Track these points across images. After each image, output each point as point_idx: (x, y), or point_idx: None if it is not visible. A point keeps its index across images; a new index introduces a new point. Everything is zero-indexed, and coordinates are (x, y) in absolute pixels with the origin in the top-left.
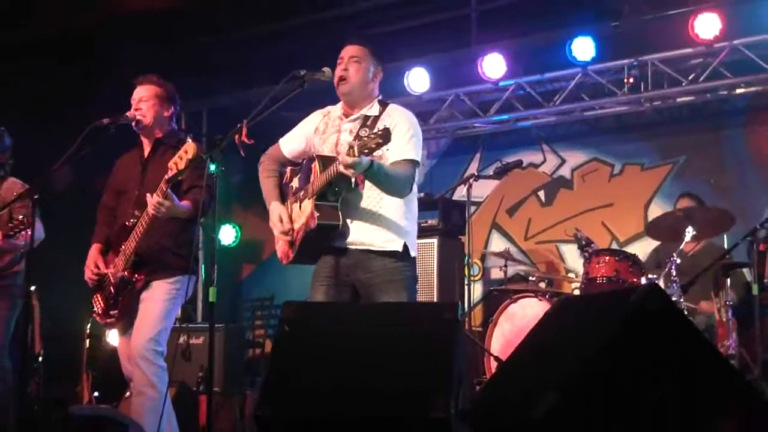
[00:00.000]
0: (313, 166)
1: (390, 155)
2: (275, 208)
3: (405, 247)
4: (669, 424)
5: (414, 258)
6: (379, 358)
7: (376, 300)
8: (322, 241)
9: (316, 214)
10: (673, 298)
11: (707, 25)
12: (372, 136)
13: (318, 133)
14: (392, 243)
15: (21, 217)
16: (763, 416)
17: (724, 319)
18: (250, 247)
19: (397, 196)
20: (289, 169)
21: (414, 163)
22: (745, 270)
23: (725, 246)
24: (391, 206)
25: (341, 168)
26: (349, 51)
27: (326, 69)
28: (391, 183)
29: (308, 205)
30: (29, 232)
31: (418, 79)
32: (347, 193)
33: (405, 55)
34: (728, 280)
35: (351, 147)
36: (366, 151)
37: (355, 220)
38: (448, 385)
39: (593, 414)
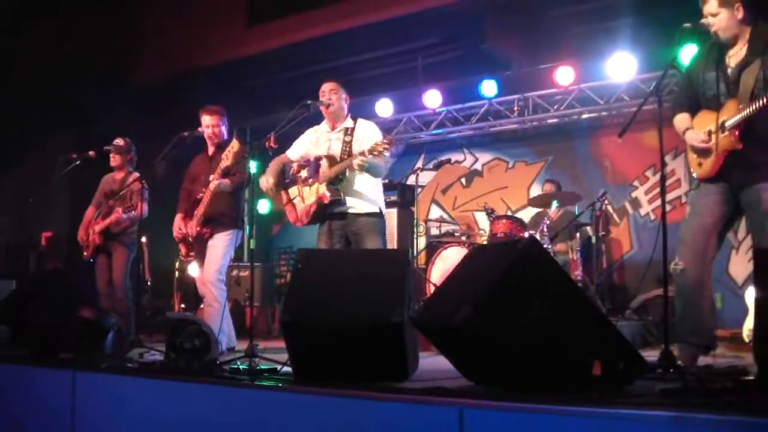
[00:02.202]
0: (320, 162)
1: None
2: (268, 174)
3: (380, 209)
4: (545, 326)
5: (384, 216)
6: (358, 284)
7: (362, 243)
8: (327, 209)
9: (328, 194)
10: (545, 245)
11: (565, 75)
12: (379, 144)
13: (313, 144)
14: (372, 206)
15: (134, 201)
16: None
17: (575, 258)
18: (277, 215)
19: (379, 177)
20: (296, 164)
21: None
22: (588, 228)
23: (576, 212)
24: (370, 185)
25: (355, 163)
26: (328, 86)
27: (323, 99)
28: (378, 171)
29: (322, 187)
30: (139, 211)
31: (384, 107)
32: (344, 178)
33: (376, 91)
34: (578, 234)
35: (363, 153)
36: (375, 153)
37: (348, 195)
38: (402, 301)
39: (493, 321)
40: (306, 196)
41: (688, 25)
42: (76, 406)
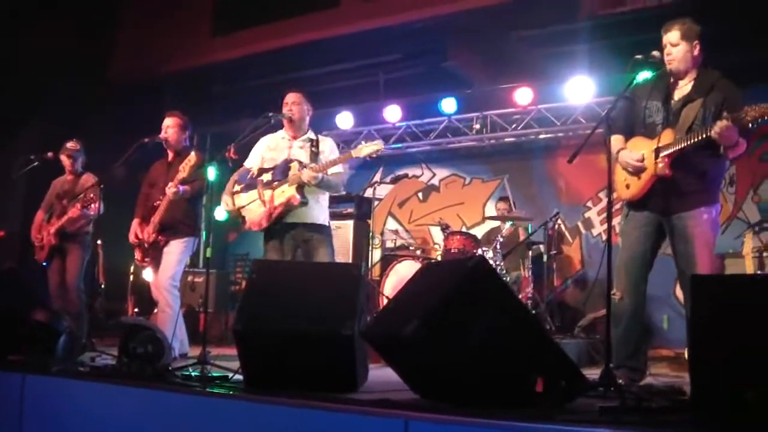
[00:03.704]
0: (290, 165)
1: (330, 170)
2: (227, 194)
3: (328, 222)
4: (490, 342)
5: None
6: (311, 296)
7: (314, 255)
8: (288, 213)
9: (298, 196)
10: (498, 262)
11: (523, 95)
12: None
13: (270, 150)
14: (323, 219)
15: (91, 196)
16: (541, 334)
17: (527, 275)
18: (234, 222)
19: (334, 192)
20: (256, 169)
21: (341, 174)
22: (540, 246)
23: (528, 231)
24: (321, 198)
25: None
26: (291, 97)
27: (285, 111)
28: (336, 187)
29: (292, 189)
30: (96, 207)
31: (345, 119)
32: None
33: (337, 103)
34: (530, 252)
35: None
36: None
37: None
38: (353, 314)
39: (439, 335)
40: (268, 200)
41: (639, 56)
42: (25, 409)
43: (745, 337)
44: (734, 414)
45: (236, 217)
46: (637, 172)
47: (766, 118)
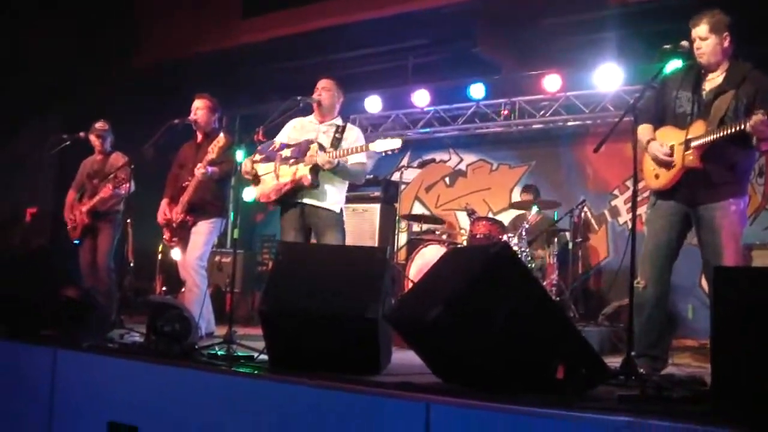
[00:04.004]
0: (311, 146)
1: (351, 159)
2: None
3: (340, 209)
4: (512, 328)
5: (342, 215)
6: (336, 279)
7: (322, 237)
8: (298, 193)
9: (310, 177)
10: (523, 248)
11: (552, 82)
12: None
13: (296, 131)
14: (332, 205)
15: (123, 176)
16: (563, 321)
17: (552, 262)
18: (261, 203)
19: (353, 181)
20: (279, 142)
21: (365, 164)
22: (566, 233)
23: (555, 218)
24: (335, 185)
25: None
26: (323, 83)
27: (315, 96)
28: (353, 177)
29: (305, 169)
30: (127, 186)
31: (373, 103)
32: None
33: (366, 87)
34: (555, 239)
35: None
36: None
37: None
38: (378, 298)
39: (463, 320)
40: (282, 174)
41: (667, 46)
42: (56, 383)
43: (765, 329)
44: (755, 406)
45: (250, 181)
46: (665, 165)
47: None
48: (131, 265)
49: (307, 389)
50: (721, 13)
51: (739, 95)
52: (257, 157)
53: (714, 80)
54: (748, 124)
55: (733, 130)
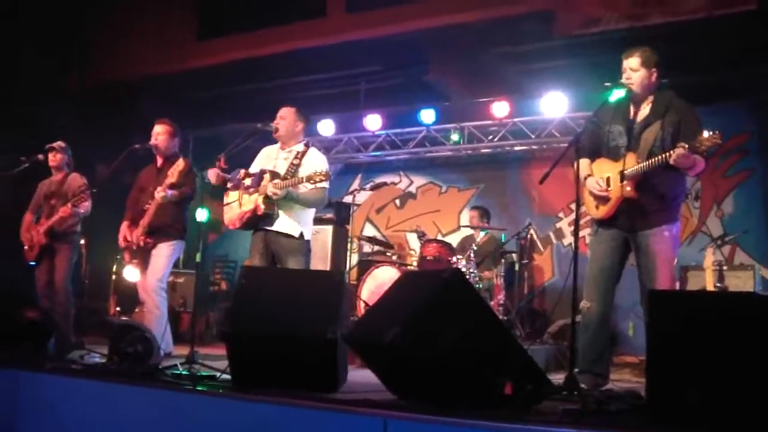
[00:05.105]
0: (264, 176)
1: (307, 185)
2: None
3: (301, 233)
4: (463, 348)
5: (305, 239)
6: (296, 301)
7: (284, 262)
8: (259, 220)
9: (263, 206)
10: (471, 270)
11: (500, 108)
12: (316, 174)
13: (263, 158)
14: (293, 230)
15: (81, 194)
16: (510, 341)
17: (499, 283)
18: (213, 223)
19: (309, 208)
20: (243, 171)
21: (324, 189)
22: (513, 255)
23: (502, 240)
24: (297, 210)
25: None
26: (281, 111)
27: (272, 123)
28: (307, 203)
29: (259, 199)
30: (86, 205)
31: (326, 126)
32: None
33: (320, 111)
34: (502, 260)
35: (301, 179)
36: (312, 181)
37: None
38: (336, 319)
39: (418, 341)
40: (244, 203)
41: (608, 84)
42: (18, 405)
43: (694, 347)
44: (683, 416)
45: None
46: (602, 199)
47: (719, 144)
48: (86, 284)
49: (269, 407)
50: (651, 51)
51: (664, 125)
52: (228, 184)
53: (643, 111)
54: (672, 159)
55: (660, 160)
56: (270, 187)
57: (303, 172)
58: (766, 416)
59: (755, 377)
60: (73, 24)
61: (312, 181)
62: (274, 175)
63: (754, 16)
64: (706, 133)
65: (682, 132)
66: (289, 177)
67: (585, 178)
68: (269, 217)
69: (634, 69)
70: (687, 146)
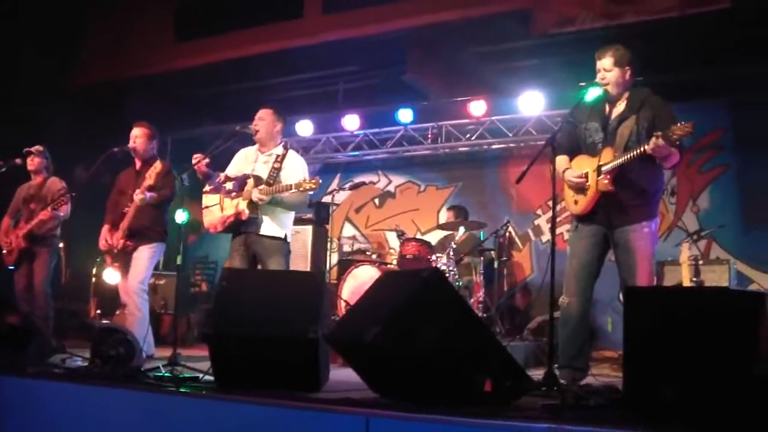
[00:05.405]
0: (247, 181)
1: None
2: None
3: (285, 235)
4: (443, 346)
5: (287, 241)
6: (277, 302)
7: (266, 263)
8: (241, 225)
9: (247, 211)
10: (451, 268)
11: (478, 107)
12: (306, 182)
13: (241, 161)
14: (277, 231)
15: (61, 198)
16: (489, 338)
17: (478, 280)
18: (193, 225)
19: (293, 211)
20: (224, 175)
21: (307, 193)
22: (492, 252)
23: (481, 238)
24: (279, 211)
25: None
26: (259, 113)
27: (252, 126)
28: (293, 206)
29: (243, 204)
30: (66, 208)
31: (304, 127)
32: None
33: (298, 112)
34: (481, 258)
35: (290, 186)
36: (301, 189)
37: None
38: (317, 319)
39: (398, 340)
40: (226, 207)
41: (583, 84)
42: (1, 410)
43: (670, 342)
44: (659, 410)
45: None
46: (579, 187)
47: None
48: (65, 287)
49: (252, 407)
50: (623, 49)
51: (639, 120)
52: (207, 187)
53: (618, 108)
54: (648, 148)
55: (636, 152)
56: (255, 193)
57: (285, 176)
58: (740, 410)
59: (729, 372)
60: (53, 27)
61: (302, 189)
62: (258, 180)
63: (727, 14)
64: (678, 124)
65: (657, 127)
66: (271, 181)
67: (563, 172)
68: (254, 222)
69: (607, 69)
70: (660, 134)
